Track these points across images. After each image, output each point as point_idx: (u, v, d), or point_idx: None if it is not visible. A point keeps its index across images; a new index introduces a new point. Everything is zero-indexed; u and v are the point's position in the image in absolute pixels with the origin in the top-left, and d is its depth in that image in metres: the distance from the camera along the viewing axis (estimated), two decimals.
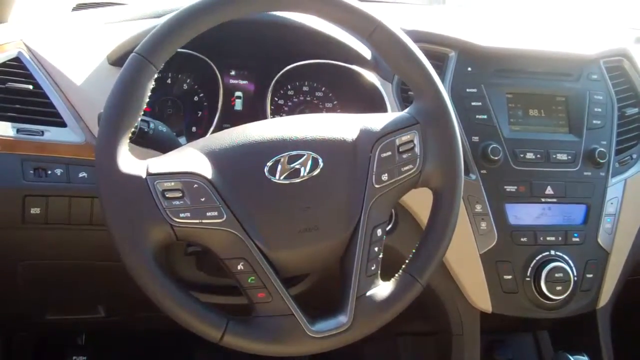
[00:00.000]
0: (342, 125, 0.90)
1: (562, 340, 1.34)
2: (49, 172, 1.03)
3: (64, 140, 1.04)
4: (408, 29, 1.10)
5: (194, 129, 1.19)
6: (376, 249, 0.87)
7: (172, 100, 1.18)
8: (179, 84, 1.19)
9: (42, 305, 1.34)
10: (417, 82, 0.92)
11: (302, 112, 1.23)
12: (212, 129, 1.14)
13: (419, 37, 1.15)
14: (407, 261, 0.91)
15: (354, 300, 0.85)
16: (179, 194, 0.81)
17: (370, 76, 1.17)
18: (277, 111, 1.22)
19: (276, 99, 1.22)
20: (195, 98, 1.20)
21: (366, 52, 1.18)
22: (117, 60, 1.08)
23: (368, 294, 0.87)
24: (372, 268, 0.87)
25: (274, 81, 1.17)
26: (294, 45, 1.18)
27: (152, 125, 0.97)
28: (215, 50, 1.13)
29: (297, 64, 1.17)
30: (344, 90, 1.23)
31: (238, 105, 1.22)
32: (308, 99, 1.24)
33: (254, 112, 1.20)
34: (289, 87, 1.23)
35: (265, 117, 1.16)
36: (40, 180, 1.03)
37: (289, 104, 1.24)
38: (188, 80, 1.19)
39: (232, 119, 1.18)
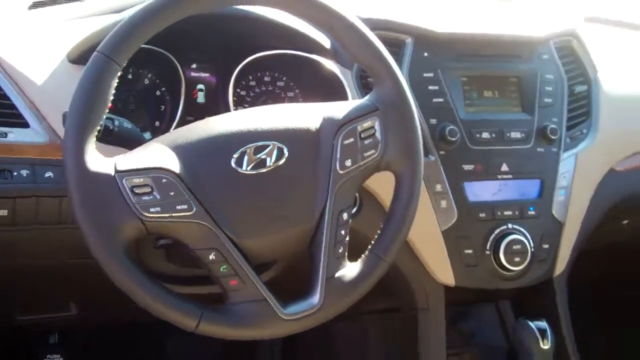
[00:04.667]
0: (305, 115, 0.93)
1: (522, 309, 1.39)
2: (15, 173, 1.03)
3: (28, 141, 1.04)
4: (365, 17, 1.13)
5: (157, 123, 1.20)
6: (343, 232, 0.91)
7: (134, 96, 1.19)
8: (140, 79, 1.20)
9: (11, 307, 1.34)
10: (376, 70, 0.96)
11: (264, 102, 1.25)
12: (175, 122, 1.16)
13: (376, 25, 1.17)
14: (372, 242, 0.95)
15: (323, 281, 0.89)
16: (148, 190, 0.83)
17: (330, 65, 1.20)
18: (240, 102, 1.24)
19: (238, 90, 1.24)
20: (157, 92, 1.20)
21: (325, 41, 1.21)
22: (77, 58, 1.09)
23: (337, 275, 0.90)
24: (340, 250, 0.91)
25: (235, 73, 1.18)
26: (255, 37, 1.20)
27: (116, 122, 0.98)
28: (175, 44, 1.14)
29: (257, 55, 1.19)
30: (305, 79, 1.26)
31: (200, 97, 1.23)
32: (270, 89, 1.27)
33: (216, 104, 1.22)
34: (251, 78, 1.25)
35: (227, 109, 1.18)
36: (6, 182, 1.03)
37: (251, 94, 1.25)
38: (149, 75, 1.20)
39: (195, 111, 1.19)
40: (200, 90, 1.23)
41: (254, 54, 1.19)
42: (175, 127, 1.14)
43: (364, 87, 1.21)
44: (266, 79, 1.27)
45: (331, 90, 1.19)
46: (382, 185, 1.09)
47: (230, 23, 1.17)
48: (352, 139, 0.92)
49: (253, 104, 1.25)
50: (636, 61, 1.55)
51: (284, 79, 1.27)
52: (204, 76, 1.24)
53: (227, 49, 1.22)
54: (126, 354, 1.77)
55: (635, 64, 1.53)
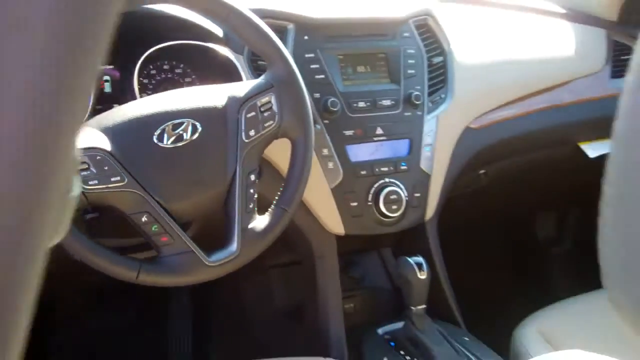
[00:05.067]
0: (212, 95, 1.09)
1: (401, 252, 1.51)
2: None
3: None
4: (254, 8, 1.26)
5: None
6: (251, 190, 1.08)
7: None
8: None
9: None
10: (268, 54, 1.13)
11: (165, 88, 1.35)
12: (87, 111, 1.27)
13: (264, 14, 1.30)
14: (276, 198, 1.12)
15: (239, 232, 1.06)
16: (85, 166, 0.97)
17: (224, 51, 1.34)
18: (143, 90, 1.35)
19: (141, 78, 1.34)
20: None
21: (218, 30, 1.34)
22: None
23: (250, 226, 1.07)
24: (250, 206, 1.08)
25: (138, 64, 1.29)
26: (153, 30, 1.31)
27: None
28: None
29: (157, 47, 1.30)
30: (201, 65, 1.38)
31: (107, 87, 1.33)
32: (169, 76, 1.38)
33: (122, 93, 1.32)
34: (151, 67, 1.36)
35: (133, 96, 1.29)
36: None
37: (153, 82, 1.37)
38: None
39: (104, 100, 1.29)
40: (107, 81, 1.33)
41: (154, 46, 1.30)
42: (88, 117, 1.26)
43: (255, 69, 1.34)
44: (165, 67, 1.38)
45: (226, 73, 1.32)
46: (278, 154, 1.26)
47: (129, 19, 1.27)
48: (253, 113, 1.09)
49: (155, 90, 1.36)
50: (484, 33, 1.73)
51: (182, 66, 1.39)
52: (109, 68, 1.33)
53: (128, 43, 1.30)
54: (46, 329, 1.84)
55: (483, 36, 1.71)
